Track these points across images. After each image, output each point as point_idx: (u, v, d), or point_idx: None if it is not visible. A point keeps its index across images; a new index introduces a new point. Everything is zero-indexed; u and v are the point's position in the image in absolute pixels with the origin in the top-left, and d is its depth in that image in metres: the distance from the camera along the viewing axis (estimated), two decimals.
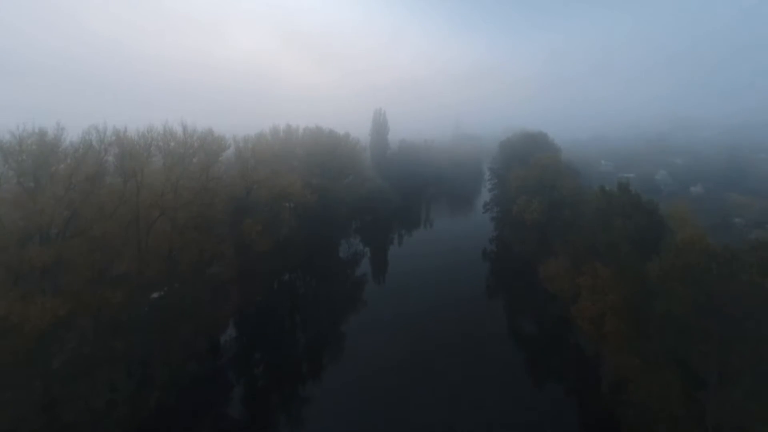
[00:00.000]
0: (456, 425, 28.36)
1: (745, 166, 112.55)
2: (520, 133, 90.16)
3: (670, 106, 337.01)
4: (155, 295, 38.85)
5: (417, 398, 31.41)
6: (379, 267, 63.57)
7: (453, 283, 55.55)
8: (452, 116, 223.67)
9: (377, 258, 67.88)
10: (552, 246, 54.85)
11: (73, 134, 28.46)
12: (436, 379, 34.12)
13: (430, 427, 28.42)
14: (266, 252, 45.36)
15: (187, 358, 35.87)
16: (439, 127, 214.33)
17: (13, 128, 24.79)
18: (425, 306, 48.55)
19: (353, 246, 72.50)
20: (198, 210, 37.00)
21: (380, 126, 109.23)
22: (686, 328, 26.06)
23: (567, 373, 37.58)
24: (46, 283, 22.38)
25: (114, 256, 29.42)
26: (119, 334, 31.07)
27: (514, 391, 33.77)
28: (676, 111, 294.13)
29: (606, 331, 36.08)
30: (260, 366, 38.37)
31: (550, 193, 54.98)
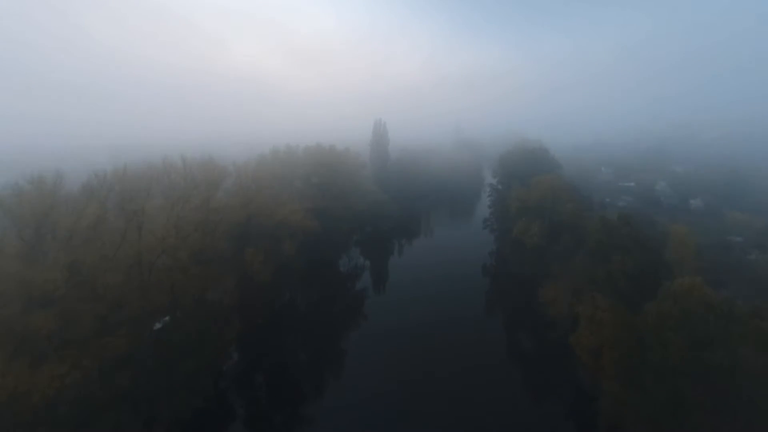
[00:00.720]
0: None
1: (747, 176, 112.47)
2: (520, 149, 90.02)
3: (678, 108, 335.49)
4: (158, 325, 39.24)
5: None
6: (378, 283, 64.01)
7: (451, 302, 56.11)
8: (459, 121, 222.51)
9: (376, 274, 68.26)
10: (552, 268, 55.18)
11: (78, 142, 28.61)
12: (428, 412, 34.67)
13: None
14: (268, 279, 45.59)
15: (190, 390, 36.30)
16: (445, 133, 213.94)
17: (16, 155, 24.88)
18: (422, 326, 49.32)
19: (353, 260, 72.92)
20: (199, 244, 37.14)
21: (380, 137, 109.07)
22: (681, 379, 26.40)
23: (562, 407, 38.00)
24: (50, 341, 22.55)
25: (116, 302, 29.60)
26: (124, 370, 31.34)
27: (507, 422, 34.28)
28: (682, 114, 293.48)
29: (603, 364, 36.56)
30: (261, 390, 39.29)
31: (549, 216, 55.11)
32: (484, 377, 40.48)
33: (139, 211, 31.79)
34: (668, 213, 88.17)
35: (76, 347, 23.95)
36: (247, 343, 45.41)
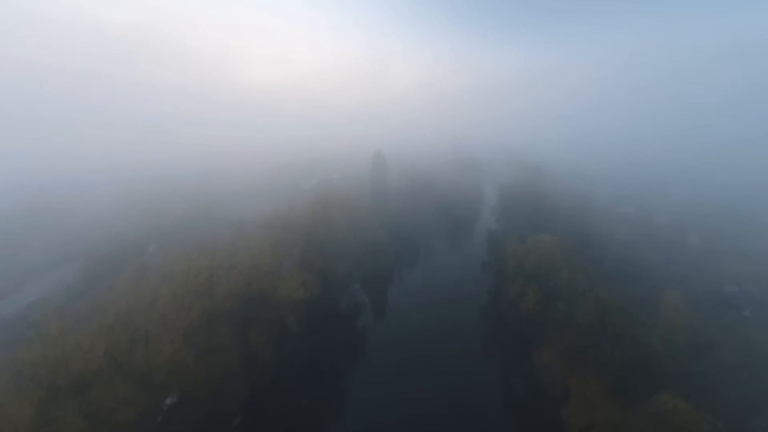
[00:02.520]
0: None
1: (748, 202, 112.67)
2: (519, 189, 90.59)
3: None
4: (168, 401, 41.16)
5: None
6: (376, 324, 66.31)
7: (445, 350, 58.33)
8: (456, 138, 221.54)
9: (375, 313, 70.65)
10: (546, 330, 56.49)
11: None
12: None
13: None
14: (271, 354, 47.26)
15: None
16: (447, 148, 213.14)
17: None
18: (415, 374, 51.92)
19: (352, 300, 74.48)
20: (204, 343, 38.75)
21: (379, 167, 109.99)
22: None
23: None
24: None
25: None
26: None
27: None
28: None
29: None
30: None
31: (545, 281, 56.27)
32: None
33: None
34: (666, 250, 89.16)
35: None
36: (252, 405, 46.78)
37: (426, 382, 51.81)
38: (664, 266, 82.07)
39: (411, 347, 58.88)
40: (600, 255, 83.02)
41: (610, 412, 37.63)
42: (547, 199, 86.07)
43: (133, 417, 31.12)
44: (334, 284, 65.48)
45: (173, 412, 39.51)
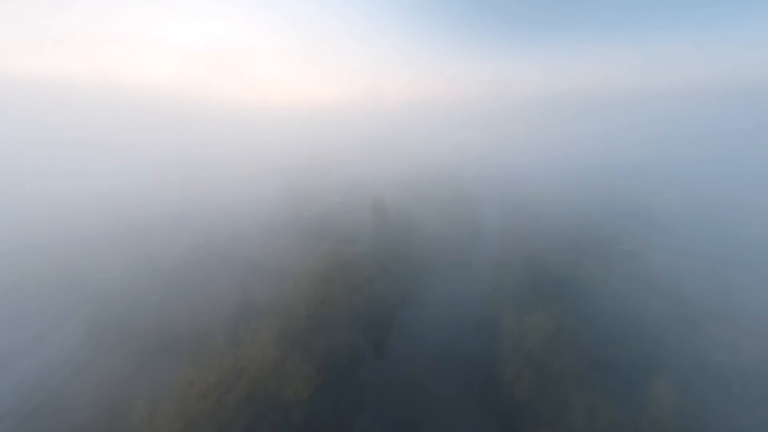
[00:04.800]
0: None
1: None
2: (518, 240, 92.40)
3: None
4: None
5: None
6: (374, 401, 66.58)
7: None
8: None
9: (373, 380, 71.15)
10: (543, 419, 58.37)
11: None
12: None
13: None
14: None
15: None
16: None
17: None
18: None
19: (351, 362, 75.56)
20: None
21: (380, 213, 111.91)
22: None
23: None
24: None
25: None
26: None
27: None
28: None
29: None
30: None
31: (539, 368, 58.36)
32: None
33: None
34: (659, 303, 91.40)
35: None
36: None
37: None
38: (657, 326, 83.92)
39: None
40: (592, 318, 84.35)
41: None
42: (543, 255, 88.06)
43: None
44: (335, 365, 67.49)
45: None
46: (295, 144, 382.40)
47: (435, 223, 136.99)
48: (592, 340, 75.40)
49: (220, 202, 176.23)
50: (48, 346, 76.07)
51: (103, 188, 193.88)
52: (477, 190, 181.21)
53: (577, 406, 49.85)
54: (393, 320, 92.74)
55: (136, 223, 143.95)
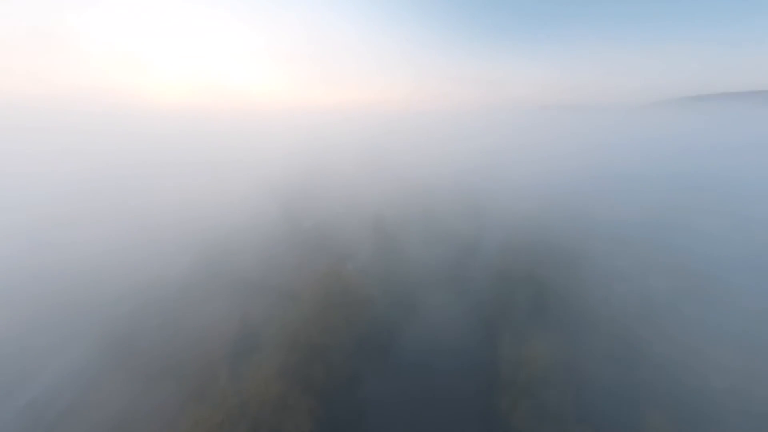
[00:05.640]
0: None
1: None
2: (518, 267, 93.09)
3: None
4: None
5: None
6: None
7: None
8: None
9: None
10: None
11: None
12: None
13: None
14: None
15: None
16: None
17: None
18: None
19: (350, 388, 76.78)
20: None
21: (380, 229, 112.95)
22: None
23: None
24: None
25: None
26: None
27: None
28: None
29: None
30: None
31: (538, 398, 58.96)
32: None
33: None
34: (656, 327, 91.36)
35: None
36: None
37: None
38: (656, 352, 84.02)
39: None
40: (590, 345, 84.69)
41: None
42: (544, 276, 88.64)
43: None
44: (335, 391, 68.42)
45: None
46: (296, 151, 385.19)
47: (436, 238, 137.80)
48: (591, 369, 75.74)
49: (220, 213, 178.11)
50: (53, 369, 77.56)
51: (98, 209, 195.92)
52: (480, 202, 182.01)
53: None
54: (392, 342, 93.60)
55: (137, 242, 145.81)
